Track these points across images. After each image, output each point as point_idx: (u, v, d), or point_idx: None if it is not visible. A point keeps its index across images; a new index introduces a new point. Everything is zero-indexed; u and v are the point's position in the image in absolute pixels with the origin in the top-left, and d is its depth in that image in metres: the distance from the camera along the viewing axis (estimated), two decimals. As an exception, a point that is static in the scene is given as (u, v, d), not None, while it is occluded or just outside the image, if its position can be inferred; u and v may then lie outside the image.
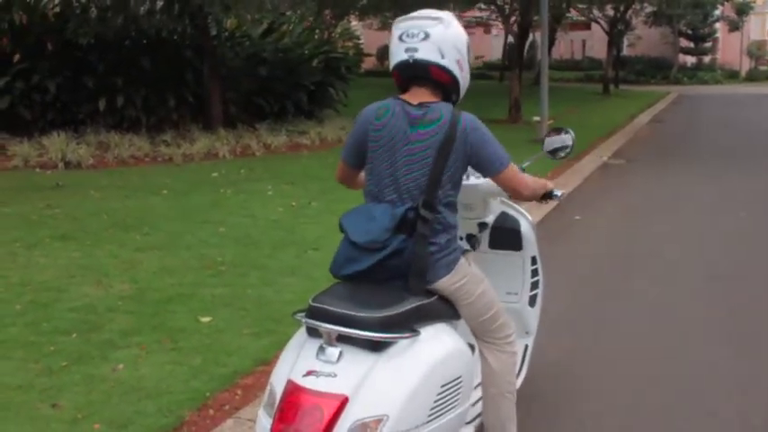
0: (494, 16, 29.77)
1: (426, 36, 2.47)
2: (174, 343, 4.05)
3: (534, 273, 3.31)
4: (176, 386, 3.54)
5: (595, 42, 41.25)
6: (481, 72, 37.16)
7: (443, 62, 2.48)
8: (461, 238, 3.04)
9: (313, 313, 2.26)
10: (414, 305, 2.36)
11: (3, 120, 11.42)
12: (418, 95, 2.53)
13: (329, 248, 2.53)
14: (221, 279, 5.20)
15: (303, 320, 2.29)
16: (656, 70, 40.66)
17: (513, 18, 22.98)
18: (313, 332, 2.28)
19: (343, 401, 2.13)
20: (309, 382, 2.17)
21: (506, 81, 23.18)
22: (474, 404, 2.72)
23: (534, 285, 3.31)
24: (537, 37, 27.17)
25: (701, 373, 3.85)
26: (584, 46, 45.85)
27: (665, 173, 10.62)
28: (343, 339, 2.21)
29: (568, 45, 46.11)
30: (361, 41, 22.21)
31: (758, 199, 8.62)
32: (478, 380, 2.70)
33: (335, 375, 2.17)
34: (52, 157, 9.92)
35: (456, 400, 2.40)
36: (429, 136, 2.45)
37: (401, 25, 2.53)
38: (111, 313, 4.49)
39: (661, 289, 5.29)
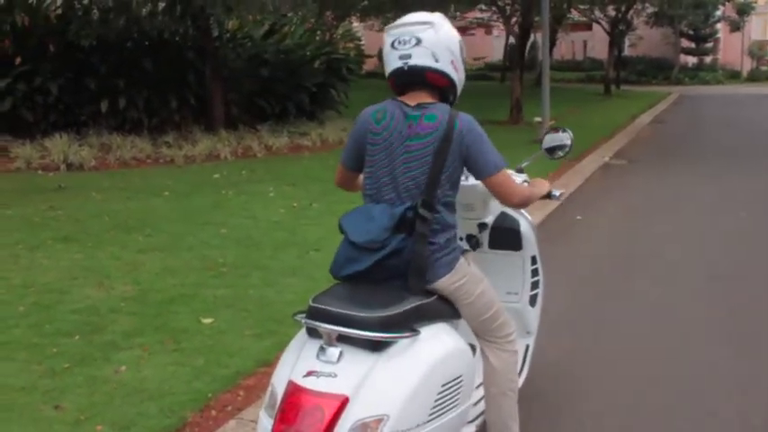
0: (495, 17, 29.74)
1: (418, 41, 2.47)
2: (176, 344, 4.07)
3: (534, 272, 3.31)
4: (179, 387, 3.55)
5: (596, 43, 41.23)
6: (482, 73, 37.17)
7: (438, 66, 2.50)
8: (461, 239, 3.05)
9: (313, 314, 2.27)
10: (413, 305, 2.37)
11: (5, 122, 11.45)
12: (416, 98, 2.54)
13: (330, 249, 2.54)
14: (223, 280, 5.22)
15: (303, 321, 2.30)
16: (658, 71, 40.63)
17: (514, 19, 22.95)
18: (313, 333, 2.30)
19: (344, 401, 2.14)
20: (310, 383, 2.18)
21: (507, 82, 23.19)
22: (476, 404, 2.73)
23: (535, 285, 3.32)
24: (538, 38, 27.14)
25: (702, 373, 3.85)
26: (585, 47, 45.81)
27: (666, 173, 10.62)
28: (343, 339, 2.22)
29: (569, 46, 46.06)
30: (362, 43, 22.16)
31: (759, 199, 8.62)
32: (480, 379, 2.71)
33: (336, 375, 2.18)
34: (54, 159, 9.95)
35: (457, 400, 2.41)
36: (427, 136, 2.46)
37: (392, 32, 2.53)
38: (114, 315, 4.51)
39: (662, 289, 5.30)
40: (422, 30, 2.49)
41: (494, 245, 3.24)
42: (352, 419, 2.13)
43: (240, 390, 3.58)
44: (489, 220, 3.19)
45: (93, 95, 11.85)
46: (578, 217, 7.68)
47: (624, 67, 36.59)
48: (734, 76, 41.96)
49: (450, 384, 2.36)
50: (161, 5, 12.33)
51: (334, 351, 2.22)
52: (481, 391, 2.73)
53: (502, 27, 32.79)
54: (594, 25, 33.69)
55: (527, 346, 3.32)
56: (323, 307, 2.27)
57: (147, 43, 12.92)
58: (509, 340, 2.68)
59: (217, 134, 12.05)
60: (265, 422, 2.27)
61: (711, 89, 35.03)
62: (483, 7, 25.81)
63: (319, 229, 6.63)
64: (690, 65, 43.34)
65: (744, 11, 40.87)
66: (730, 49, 43.78)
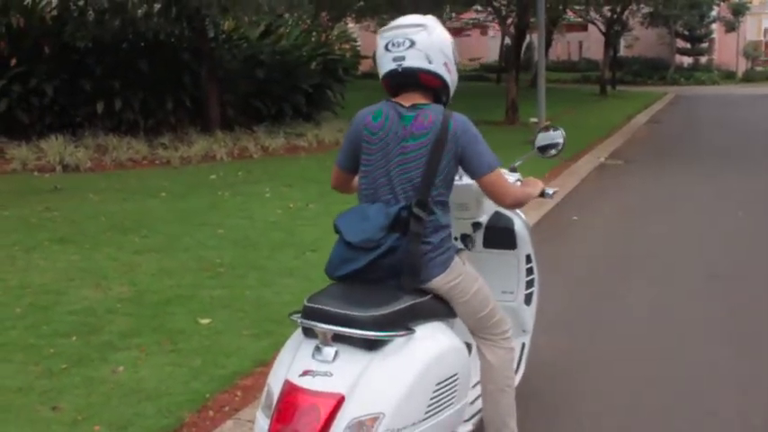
0: (490, 18, 29.85)
1: (412, 44, 2.50)
2: (173, 344, 4.07)
3: (529, 271, 3.32)
4: (176, 387, 3.56)
5: (592, 44, 41.27)
6: (478, 74, 37.12)
7: (431, 67, 2.52)
8: (456, 238, 3.06)
9: (308, 313, 2.28)
10: (408, 304, 2.38)
11: (0, 123, 11.42)
12: (410, 99, 2.56)
13: (327, 249, 2.55)
14: (220, 281, 5.22)
15: (299, 321, 2.31)
16: (653, 71, 40.69)
17: (509, 20, 23.04)
18: (309, 332, 2.30)
19: (340, 400, 2.15)
20: (306, 382, 2.19)
21: (503, 83, 23.24)
22: (472, 402, 2.74)
23: (530, 284, 3.33)
24: (534, 38, 27.18)
25: (701, 373, 3.85)
26: (580, 47, 45.84)
27: (662, 173, 10.64)
28: (338, 339, 2.23)
29: (565, 46, 46.09)
30: (358, 44, 22.14)
31: (755, 199, 8.64)
32: (476, 378, 2.72)
33: (331, 375, 2.19)
34: (50, 161, 9.93)
35: (452, 398, 2.42)
36: (422, 136, 2.48)
37: (386, 35, 2.56)
38: (111, 315, 4.51)
39: (659, 289, 5.31)
40: (415, 32, 2.51)
41: (488, 244, 3.25)
42: (348, 418, 2.14)
43: (237, 390, 3.59)
44: (483, 219, 3.21)
45: (88, 97, 11.82)
46: (574, 217, 7.69)
47: (620, 68, 36.67)
48: (729, 76, 42.04)
49: (445, 383, 2.37)
50: (156, 7, 12.33)
51: (329, 350, 2.23)
52: (477, 390, 2.74)
53: (497, 28, 32.89)
54: (590, 26, 33.78)
55: (523, 345, 3.33)
56: (318, 306, 2.28)
57: (142, 44, 12.88)
58: (505, 337, 2.69)
59: (213, 135, 12.04)
60: (262, 422, 2.28)
61: (707, 89, 35.11)
62: (479, 8, 25.88)
63: (316, 230, 6.64)
64: (685, 65, 43.43)
65: (739, 11, 41.01)
66: (725, 49, 43.88)
